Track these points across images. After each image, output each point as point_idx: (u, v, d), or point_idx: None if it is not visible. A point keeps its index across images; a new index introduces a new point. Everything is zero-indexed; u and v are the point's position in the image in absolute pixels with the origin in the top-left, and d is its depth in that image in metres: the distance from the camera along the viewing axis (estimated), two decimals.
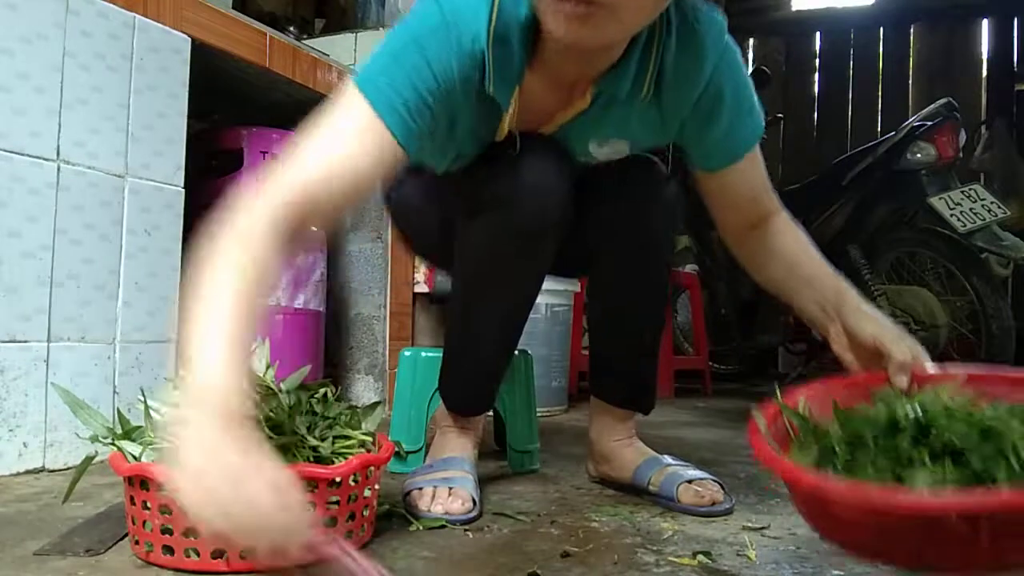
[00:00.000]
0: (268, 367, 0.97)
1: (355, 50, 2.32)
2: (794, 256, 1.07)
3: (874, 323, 0.93)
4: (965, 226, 2.64)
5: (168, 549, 0.80)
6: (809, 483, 0.67)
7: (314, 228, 0.86)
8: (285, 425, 0.90)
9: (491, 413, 1.49)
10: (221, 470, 0.61)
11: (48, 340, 1.31)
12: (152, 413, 0.88)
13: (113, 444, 0.87)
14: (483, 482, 1.22)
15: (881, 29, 5.22)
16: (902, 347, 0.87)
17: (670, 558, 0.90)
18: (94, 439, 0.87)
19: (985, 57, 4.96)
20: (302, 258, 1.89)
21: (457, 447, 1.22)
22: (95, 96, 1.39)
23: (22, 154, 1.27)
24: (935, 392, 0.76)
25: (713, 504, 1.11)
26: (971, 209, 2.69)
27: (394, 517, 1.03)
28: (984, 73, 4.95)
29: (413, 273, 2.40)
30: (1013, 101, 4.81)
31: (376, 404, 1.03)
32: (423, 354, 1.41)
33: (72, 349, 1.34)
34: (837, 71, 5.30)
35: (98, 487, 1.17)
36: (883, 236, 2.95)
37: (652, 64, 0.97)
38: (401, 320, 2.32)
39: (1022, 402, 0.72)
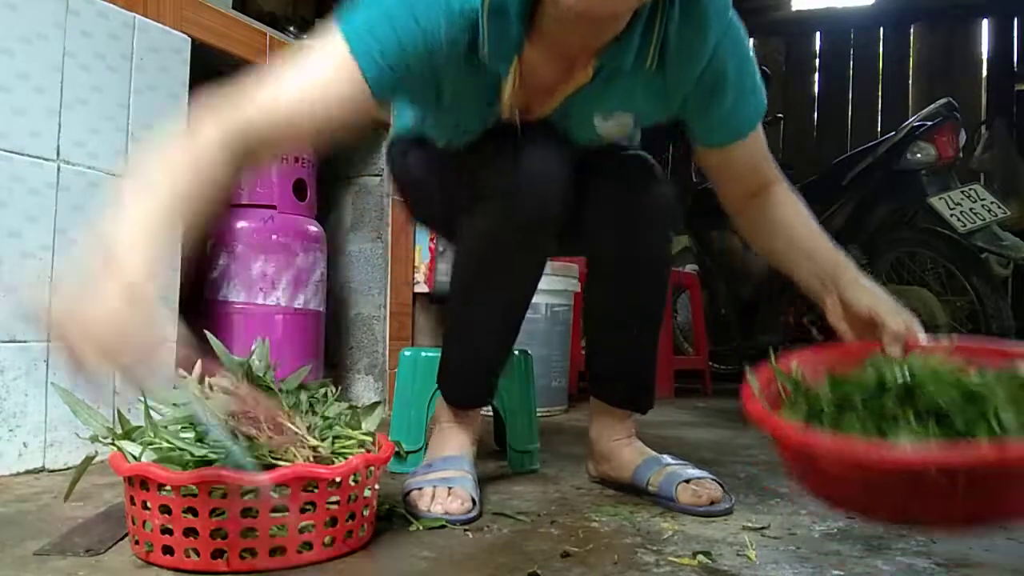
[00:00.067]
0: (268, 367, 0.97)
1: None
2: (793, 227, 1.08)
3: (870, 295, 0.95)
4: (965, 226, 2.63)
5: (168, 549, 0.81)
6: (796, 438, 0.69)
7: (270, 154, 0.90)
8: (285, 425, 0.90)
9: (491, 413, 1.49)
10: (91, 292, 0.66)
11: (48, 340, 1.31)
12: (152, 413, 0.87)
13: (113, 444, 0.87)
14: (483, 482, 1.22)
15: (881, 29, 5.21)
16: (897, 318, 0.89)
17: (670, 558, 0.90)
18: (94, 439, 0.87)
19: (985, 57, 4.96)
20: (302, 258, 1.89)
21: (455, 445, 1.21)
22: (95, 96, 1.39)
23: (22, 154, 1.27)
24: (924, 358, 0.78)
25: (712, 503, 1.11)
26: (971, 209, 2.69)
27: (394, 517, 1.03)
28: (984, 73, 4.95)
29: (413, 273, 2.40)
30: (1013, 101, 4.80)
31: (376, 404, 1.03)
32: (423, 354, 1.41)
33: None
34: (837, 71, 5.29)
35: (98, 487, 1.17)
36: (883, 236, 2.95)
37: (655, 36, 0.97)
38: (401, 320, 2.33)
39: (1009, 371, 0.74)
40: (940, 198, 2.73)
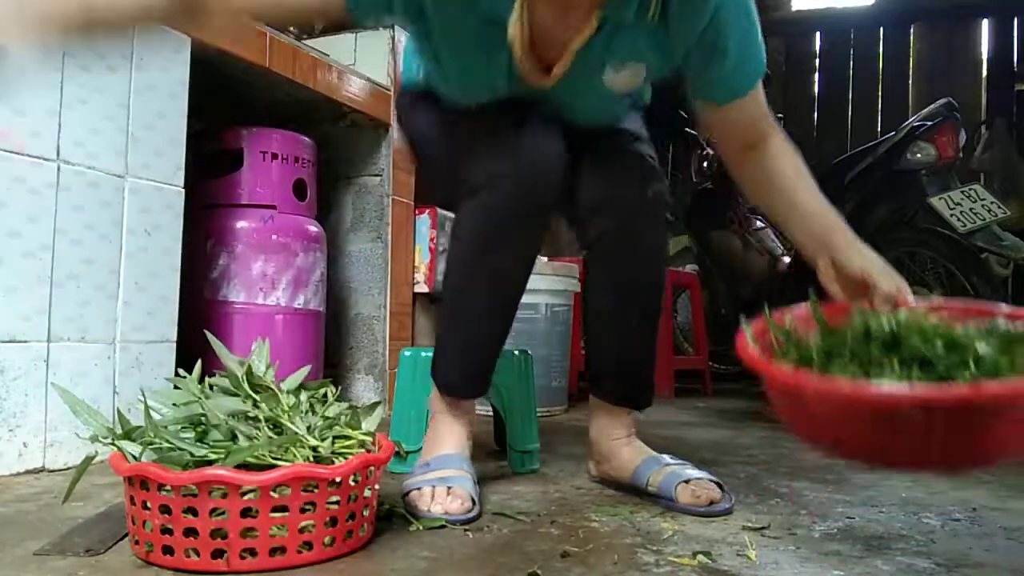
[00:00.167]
0: (268, 367, 0.97)
1: (355, 50, 2.33)
2: (789, 183, 1.09)
3: (862, 257, 0.97)
4: (965, 226, 2.64)
5: (168, 549, 0.81)
6: (784, 378, 0.73)
7: (228, 14, 1.00)
8: (285, 425, 0.90)
9: (491, 413, 1.49)
10: None
11: (48, 340, 1.31)
12: (152, 413, 0.88)
13: (113, 444, 0.87)
14: (483, 482, 1.22)
15: (881, 29, 5.21)
16: (888, 280, 0.92)
17: (670, 558, 0.90)
18: (94, 439, 0.87)
19: (985, 57, 4.96)
20: (302, 258, 1.89)
21: (451, 441, 1.21)
22: (95, 96, 1.39)
23: (22, 154, 1.27)
24: (910, 311, 0.82)
25: (711, 504, 1.11)
26: (971, 209, 2.69)
27: (394, 517, 1.03)
28: (984, 73, 4.95)
29: (413, 273, 2.40)
30: (1013, 101, 4.80)
31: (376, 404, 1.03)
32: (423, 354, 1.41)
33: (72, 349, 1.34)
34: (837, 71, 5.29)
35: (98, 487, 1.17)
36: (883, 236, 2.94)
37: None
38: (401, 320, 2.33)
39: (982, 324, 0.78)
40: (940, 198, 2.73)
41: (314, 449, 0.88)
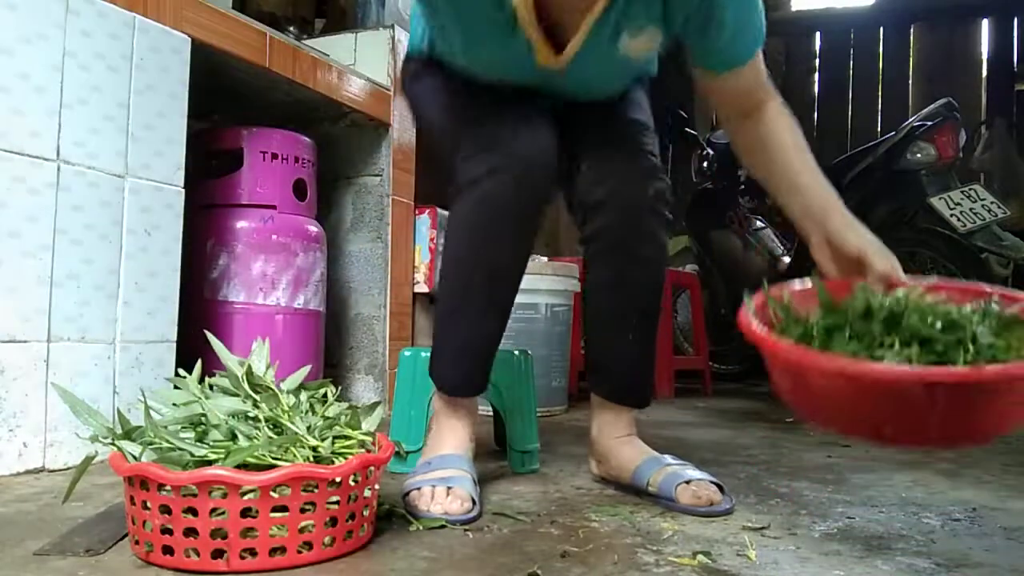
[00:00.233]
0: (268, 367, 0.97)
1: (355, 50, 2.33)
2: (786, 153, 1.10)
3: (858, 235, 0.97)
4: (965, 226, 2.64)
5: (168, 549, 0.81)
6: (788, 354, 0.74)
7: None
8: (285, 425, 0.90)
9: (491, 413, 1.49)
10: None
11: (48, 340, 1.31)
12: (152, 413, 0.88)
13: (113, 444, 0.87)
14: (483, 482, 1.22)
15: (881, 29, 5.21)
16: (883, 259, 0.93)
17: (670, 558, 0.90)
18: (94, 439, 0.87)
19: (985, 57, 4.96)
20: (302, 258, 1.89)
21: (453, 442, 1.21)
22: (95, 96, 1.39)
23: (22, 154, 1.28)
24: (910, 290, 0.84)
25: (711, 505, 1.11)
26: (971, 209, 2.69)
27: (394, 517, 1.03)
28: (984, 73, 4.95)
29: (413, 273, 2.40)
30: (1013, 101, 4.81)
31: (376, 404, 1.03)
32: (423, 354, 1.41)
33: (72, 349, 1.34)
34: (837, 71, 5.30)
35: (98, 487, 1.17)
36: (883, 236, 2.92)
37: None
38: (401, 320, 2.33)
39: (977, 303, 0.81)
40: (940, 198, 2.73)
41: (314, 449, 0.88)
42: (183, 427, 0.89)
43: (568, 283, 2.39)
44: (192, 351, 1.32)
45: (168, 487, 0.79)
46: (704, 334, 3.27)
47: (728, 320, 3.52)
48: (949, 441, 0.78)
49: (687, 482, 1.14)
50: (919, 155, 2.83)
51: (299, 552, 0.82)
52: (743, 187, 3.44)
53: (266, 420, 0.90)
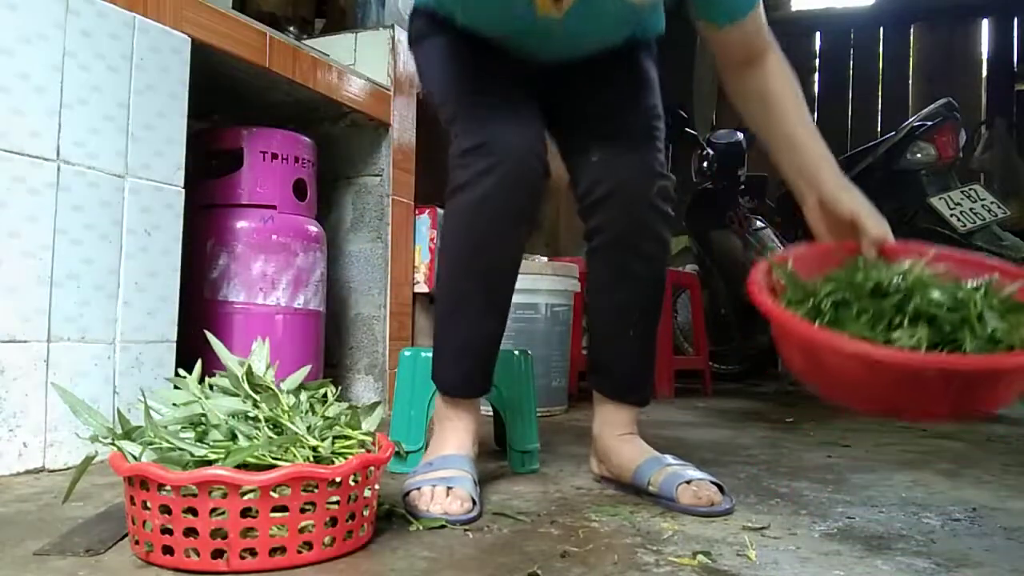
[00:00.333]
0: (268, 367, 0.97)
1: (355, 50, 2.33)
2: (784, 104, 1.10)
3: (852, 197, 0.99)
4: (965, 226, 2.64)
5: (168, 549, 0.81)
6: (805, 331, 0.78)
7: None
8: (285, 425, 0.90)
9: (491, 413, 1.49)
10: None
11: (48, 340, 1.31)
12: (152, 413, 0.88)
13: (113, 444, 0.87)
14: (483, 482, 1.22)
15: (881, 29, 5.22)
16: (876, 223, 0.95)
17: (670, 558, 0.90)
18: (94, 439, 0.87)
19: (985, 57, 4.96)
20: (302, 258, 1.89)
21: (455, 443, 1.22)
22: (95, 96, 1.39)
23: (22, 154, 1.28)
24: (911, 265, 0.88)
25: (711, 505, 1.11)
26: (971, 209, 2.70)
27: (394, 517, 1.03)
28: (984, 73, 4.95)
29: (413, 273, 2.40)
30: (1013, 101, 4.81)
31: (376, 404, 1.03)
32: (423, 354, 1.41)
33: (72, 349, 1.34)
34: (837, 71, 5.30)
35: (98, 487, 1.17)
36: None
37: None
38: (401, 320, 2.33)
39: (977, 279, 0.86)
40: (940, 198, 2.73)
41: (314, 449, 0.88)
42: (183, 427, 0.89)
43: (568, 283, 2.39)
44: (192, 351, 1.32)
45: (168, 487, 0.79)
46: (704, 334, 3.27)
47: (728, 320, 3.53)
48: (956, 415, 0.84)
49: (688, 482, 1.14)
50: (919, 155, 2.83)
51: (299, 552, 0.82)
52: (743, 187, 3.44)
53: (266, 420, 0.90)
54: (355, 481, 0.87)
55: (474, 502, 1.06)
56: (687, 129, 3.47)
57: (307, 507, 0.83)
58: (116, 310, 1.42)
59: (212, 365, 0.96)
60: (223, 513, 0.79)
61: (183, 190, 1.57)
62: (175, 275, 1.54)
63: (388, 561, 0.86)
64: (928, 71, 5.05)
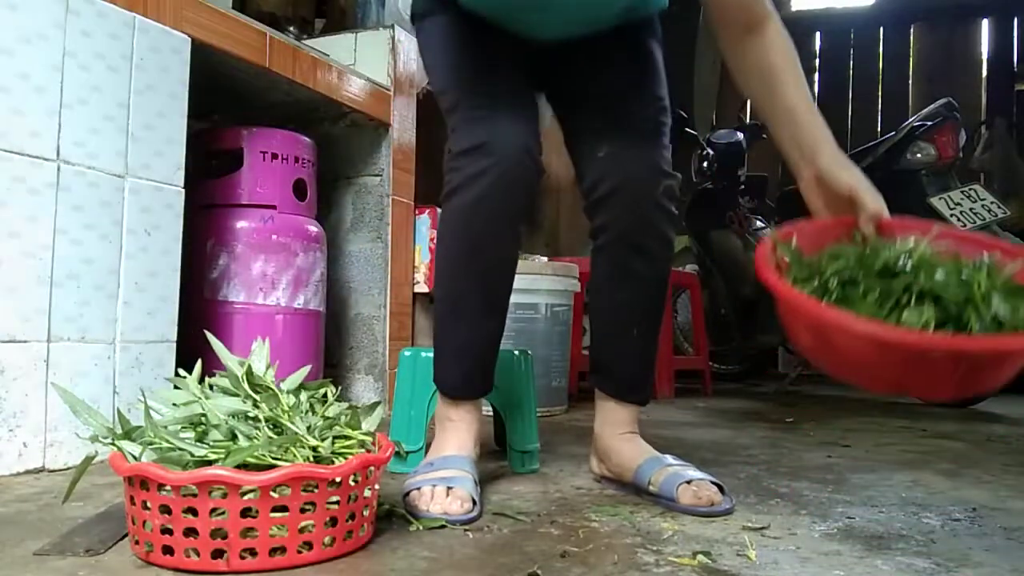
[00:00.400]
0: (268, 367, 0.97)
1: (355, 50, 2.33)
2: (782, 74, 1.10)
3: (850, 173, 0.99)
4: (965, 226, 2.64)
5: (168, 549, 0.80)
6: (815, 310, 0.79)
7: None
8: (285, 425, 0.90)
9: (491, 413, 1.49)
10: None
11: (48, 340, 1.31)
12: (152, 413, 0.88)
13: (113, 444, 0.87)
14: (483, 482, 1.22)
15: (881, 29, 5.22)
16: (874, 199, 0.96)
17: (670, 558, 0.90)
18: (94, 439, 0.87)
19: (985, 57, 4.96)
20: (302, 258, 1.89)
21: (456, 443, 1.22)
22: (95, 96, 1.39)
23: (22, 154, 1.28)
24: (916, 243, 0.89)
25: (711, 505, 1.11)
26: (971, 209, 2.70)
27: (394, 517, 1.03)
28: (984, 73, 4.95)
29: (413, 273, 2.40)
30: (1013, 101, 4.81)
31: (376, 404, 1.03)
32: (423, 354, 1.41)
33: (72, 349, 1.34)
34: (837, 71, 5.30)
35: (98, 487, 1.17)
36: None
37: None
38: (401, 320, 2.33)
39: (978, 257, 0.88)
40: (940, 198, 2.73)
41: (314, 449, 0.88)
42: (183, 427, 0.89)
43: (568, 283, 2.39)
44: (192, 351, 1.32)
45: (168, 487, 0.79)
46: (704, 334, 3.27)
47: (728, 320, 3.53)
48: (963, 393, 0.85)
49: (688, 482, 1.14)
50: (919, 155, 2.83)
51: (299, 552, 0.82)
52: (743, 187, 3.44)
53: (266, 420, 0.90)
54: (355, 481, 0.87)
55: (474, 502, 1.06)
56: (687, 129, 3.47)
57: (307, 507, 0.83)
58: (116, 310, 1.42)
59: (212, 365, 0.96)
60: (223, 513, 0.79)
61: (183, 190, 1.57)
62: (175, 275, 1.54)
63: (388, 561, 0.86)
64: (928, 71, 5.05)
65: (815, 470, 1.49)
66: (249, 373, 0.94)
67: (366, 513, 0.90)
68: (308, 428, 0.91)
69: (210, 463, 0.82)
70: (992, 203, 2.69)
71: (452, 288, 1.22)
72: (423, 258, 2.41)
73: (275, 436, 0.87)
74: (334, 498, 0.85)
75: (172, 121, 1.54)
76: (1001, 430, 2.21)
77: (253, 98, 2.03)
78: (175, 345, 1.54)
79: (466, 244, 1.19)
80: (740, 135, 3.39)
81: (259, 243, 1.83)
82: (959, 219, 2.65)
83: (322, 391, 1.00)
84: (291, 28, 2.35)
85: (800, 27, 5.36)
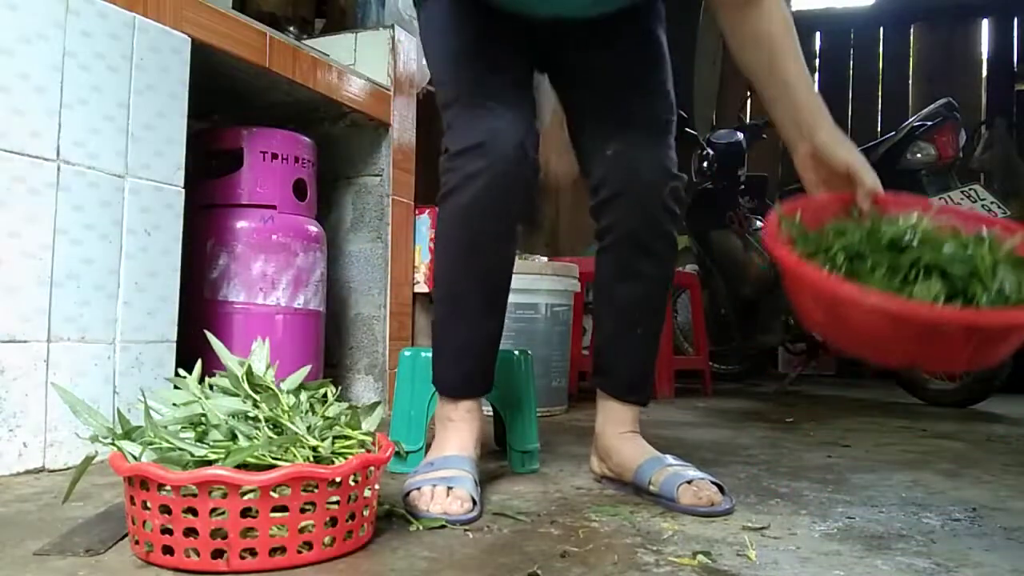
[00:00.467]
0: (268, 367, 0.97)
1: (355, 50, 2.33)
2: (780, 46, 1.10)
3: (847, 149, 1.00)
4: None
5: (168, 549, 0.80)
6: (838, 289, 0.79)
7: None
8: (285, 425, 0.90)
9: (491, 413, 1.49)
10: None
11: (48, 340, 1.31)
12: (152, 413, 0.88)
13: (113, 444, 0.87)
14: (483, 482, 1.22)
15: (881, 29, 5.22)
16: (870, 175, 0.97)
17: (670, 558, 0.90)
18: (94, 439, 0.87)
19: (985, 57, 4.96)
20: (302, 258, 1.89)
21: (457, 444, 1.22)
22: (95, 96, 1.39)
23: (22, 154, 1.27)
24: (919, 218, 0.91)
25: (712, 505, 1.11)
26: (971, 209, 2.69)
27: (394, 517, 1.03)
28: (984, 73, 4.95)
29: (413, 273, 2.40)
30: (1013, 101, 4.81)
31: (376, 404, 1.03)
32: (423, 354, 1.41)
33: (72, 349, 1.34)
34: (837, 71, 5.30)
35: (98, 487, 1.17)
36: None
37: None
38: (401, 320, 2.33)
39: (976, 232, 0.90)
40: (940, 198, 2.73)
41: (314, 449, 0.88)
42: (183, 427, 0.89)
43: (568, 283, 2.39)
44: (192, 351, 1.32)
45: (168, 487, 0.79)
46: (704, 334, 3.27)
47: (728, 320, 3.53)
48: (972, 366, 0.88)
49: (688, 482, 1.14)
50: (919, 155, 2.83)
51: (299, 552, 0.82)
52: (743, 187, 3.44)
53: (266, 420, 0.90)
54: (355, 481, 0.87)
55: (474, 502, 1.06)
56: (687, 129, 3.47)
57: (307, 507, 0.83)
58: (116, 310, 1.42)
59: (212, 365, 0.96)
60: (223, 513, 0.79)
61: (183, 190, 1.57)
62: (175, 275, 1.54)
63: (388, 561, 0.86)
64: (928, 71, 5.05)
65: (815, 470, 1.49)
66: (249, 373, 0.94)
67: (366, 513, 0.90)
68: (308, 428, 0.91)
69: (210, 463, 0.82)
70: (992, 203, 2.69)
71: (451, 288, 1.23)
72: (423, 258, 2.41)
73: (275, 436, 0.87)
74: (334, 498, 0.85)
75: (172, 121, 1.54)
76: (1001, 430, 2.21)
77: (253, 98, 2.03)
78: (175, 345, 1.54)
79: (464, 244, 1.19)
80: (740, 135, 3.39)
81: (259, 243, 1.83)
82: None
83: (322, 391, 1.00)
84: (291, 28, 2.35)
85: (800, 27, 5.32)
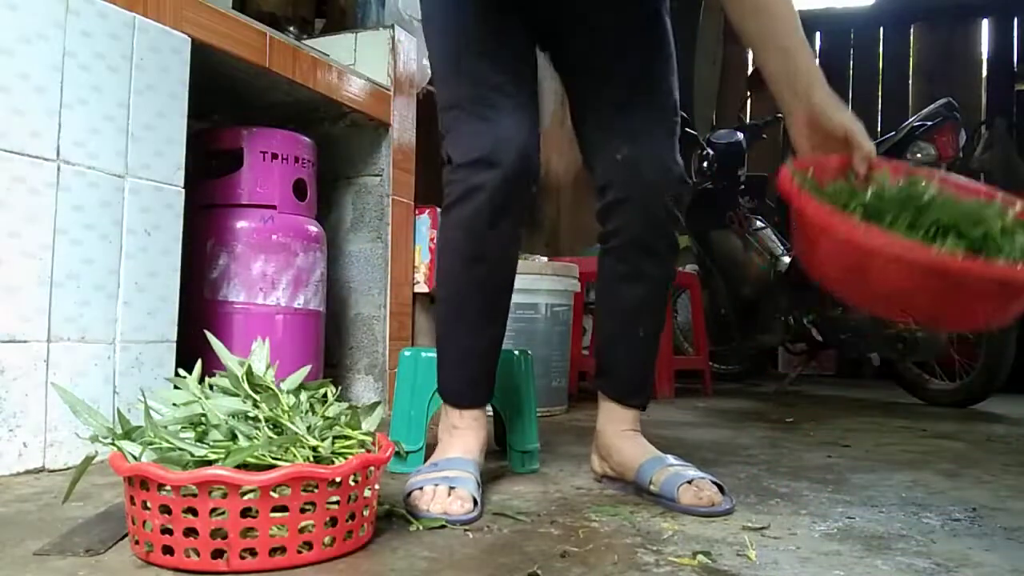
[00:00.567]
0: (268, 367, 0.97)
1: (355, 50, 2.33)
2: (779, 15, 1.10)
3: (842, 113, 1.00)
4: None
5: (168, 549, 0.80)
6: (873, 239, 0.79)
7: None
8: (285, 425, 0.90)
9: (491, 413, 1.49)
10: None
11: (48, 340, 1.31)
12: (152, 413, 0.88)
13: (113, 444, 0.87)
14: (483, 482, 1.22)
15: (881, 29, 5.21)
16: (867, 139, 0.98)
17: (670, 558, 0.90)
18: (94, 439, 0.87)
19: (985, 57, 4.96)
20: (302, 258, 1.89)
21: (461, 447, 1.22)
22: (95, 96, 1.39)
23: (22, 154, 1.27)
24: (928, 181, 0.92)
25: (712, 505, 1.11)
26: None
27: (394, 517, 1.03)
28: (984, 73, 4.95)
29: (413, 273, 2.40)
30: (1013, 101, 4.81)
31: (376, 404, 1.03)
32: (423, 354, 1.41)
33: (72, 349, 1.34)
34: (837, 71, 5.29)
35: (98, 487, 1.17)
36: None
37: None
38: (401, 320, 2.33)
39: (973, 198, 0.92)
40: None
41: (314, 449, 0.88)
42: (183, 427, 0.89)
43: (568, 283, 2.39)
44: (192, 351, 1.32)
45: (168, 487, 0.79)
46: (704, 334, 3.27)
47: (728, 320, 3.53)
48: (988, 324, 0.89)
49: (689, 482, 1.14)
50: (919, 155, 2.83)
51: (299, 552, 0.82)
52: (743, 187, 3.44)
53: (266, 420, 0.90)
54: (355, 481, 0.87)
55: (475, 502, 1.06)
56: (687, 129, 3.47)
57: (307, 507, 0.83)
58: (116, 310, 1.42)
59: (212, 365, 0.96)
60: (223, 513, 0.79)
61: (183, 190, 1.57)
62: (175, 275, 1.54)
63: (388, 561, 0.86)
64: (928, 71, 5.05)
65: (815, 470, 1.49)
66: (249, 373, 0.94)
67: (366, 513, 0.90)
68: (308, 428, 0.91)
69: (210, 463, 0.82)
70: None
71: (453, 297, 1.23)
72: (423, 258, 2.41)
73: (275, 436, 0.87)
74: (334, 498, 0.85)
75: (172, 121, 1.54)
76: (1001, 430, 2.21)
77: (253, 98, 2.03)
78: (175, 345, 1.54)
79: (467, 254, 1.19)
80: (740, 135, 3.39)
81: (259, 243, 1.83)
82: None
83: (322, 391, 1.00)
84: (291, 28, 2.35)
85: None
